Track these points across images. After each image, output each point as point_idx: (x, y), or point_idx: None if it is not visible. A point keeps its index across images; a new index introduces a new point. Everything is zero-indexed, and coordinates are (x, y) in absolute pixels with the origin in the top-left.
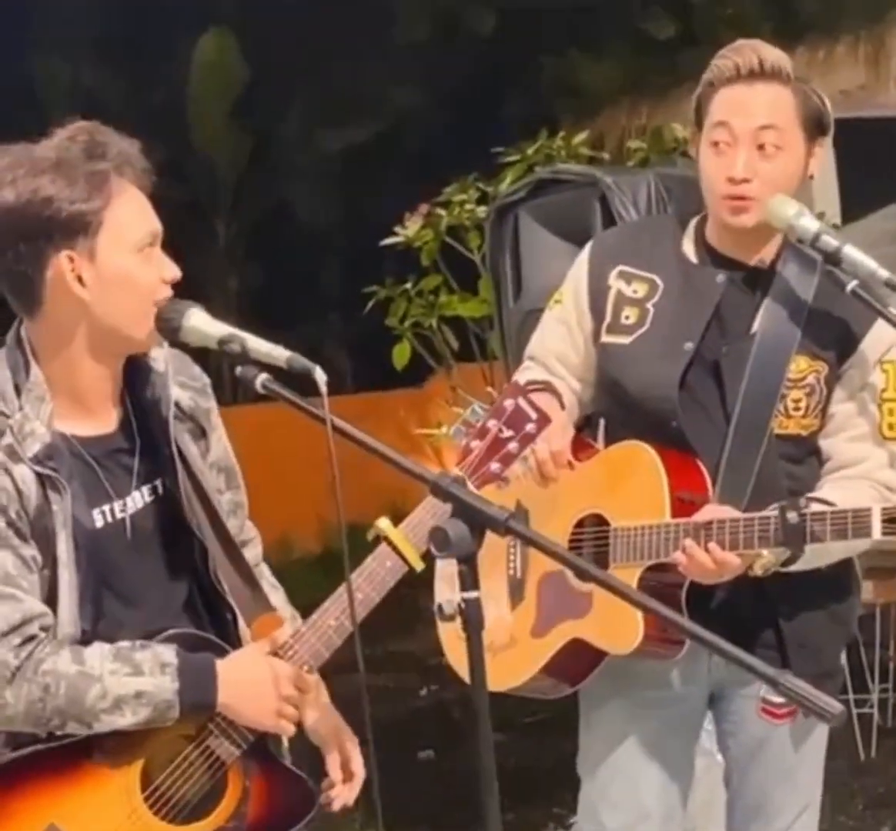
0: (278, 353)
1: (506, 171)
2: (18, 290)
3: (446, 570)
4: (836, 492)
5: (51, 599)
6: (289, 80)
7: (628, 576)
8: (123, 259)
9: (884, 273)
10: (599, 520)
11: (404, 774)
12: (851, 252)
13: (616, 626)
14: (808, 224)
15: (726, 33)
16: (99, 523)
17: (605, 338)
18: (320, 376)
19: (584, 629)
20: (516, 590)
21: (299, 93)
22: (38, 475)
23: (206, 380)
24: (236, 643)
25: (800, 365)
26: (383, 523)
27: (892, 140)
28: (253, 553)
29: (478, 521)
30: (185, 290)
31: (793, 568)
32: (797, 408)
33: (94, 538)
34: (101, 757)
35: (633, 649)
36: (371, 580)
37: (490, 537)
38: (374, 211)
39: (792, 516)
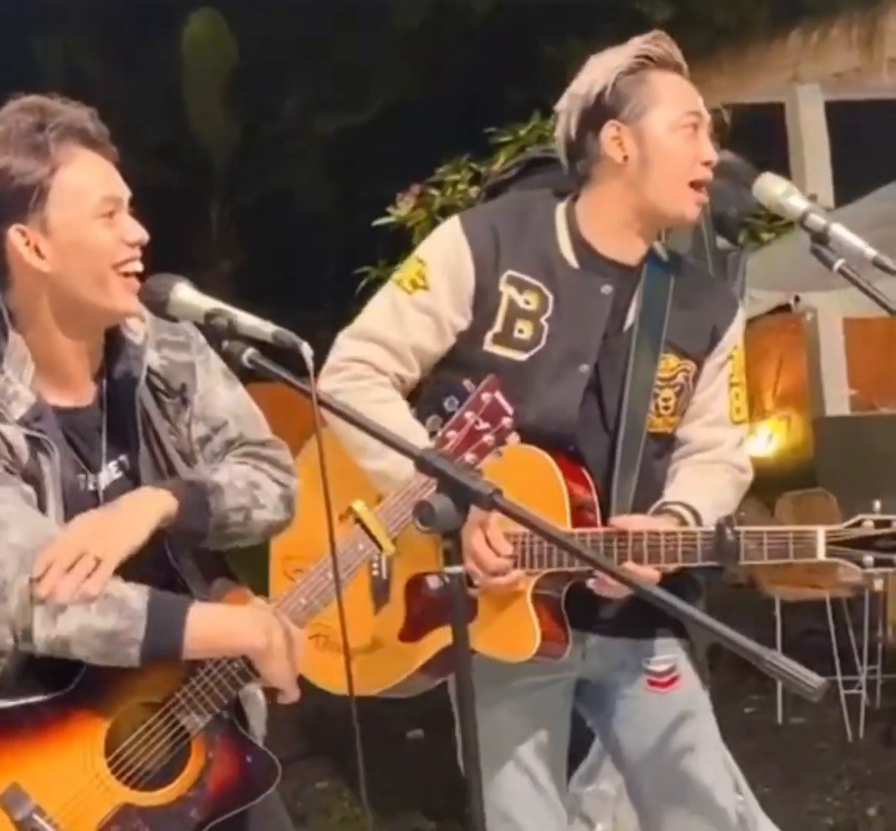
0: (265, 328)
1: (499, 151)
2: None
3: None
4: (695, 478)
5: None
6: (283, 64)
7: (525, 581)
8: (78, 226)
9: (871, 252)
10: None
11: (393, 753)
12: (839, 231)
13: (509, 634)
14: (797, 203)
15: (721, 15)
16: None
17: (493, 348)
18: (307, 351)
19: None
20: (381, 592)
21: (293, 76)
22: (26, 437)
23: (192, 332)
24: None
25: (669, 363)
26: (358, 505)
27: (885, 122)
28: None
29: (463, 496)
30: (178, 272)
31: None
32: (667, 407)
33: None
34: (67, 719)
35: (532, 656)
36: (342, 561)
37: (348, 540)
38: (368, 192)
39: (728, 534)
